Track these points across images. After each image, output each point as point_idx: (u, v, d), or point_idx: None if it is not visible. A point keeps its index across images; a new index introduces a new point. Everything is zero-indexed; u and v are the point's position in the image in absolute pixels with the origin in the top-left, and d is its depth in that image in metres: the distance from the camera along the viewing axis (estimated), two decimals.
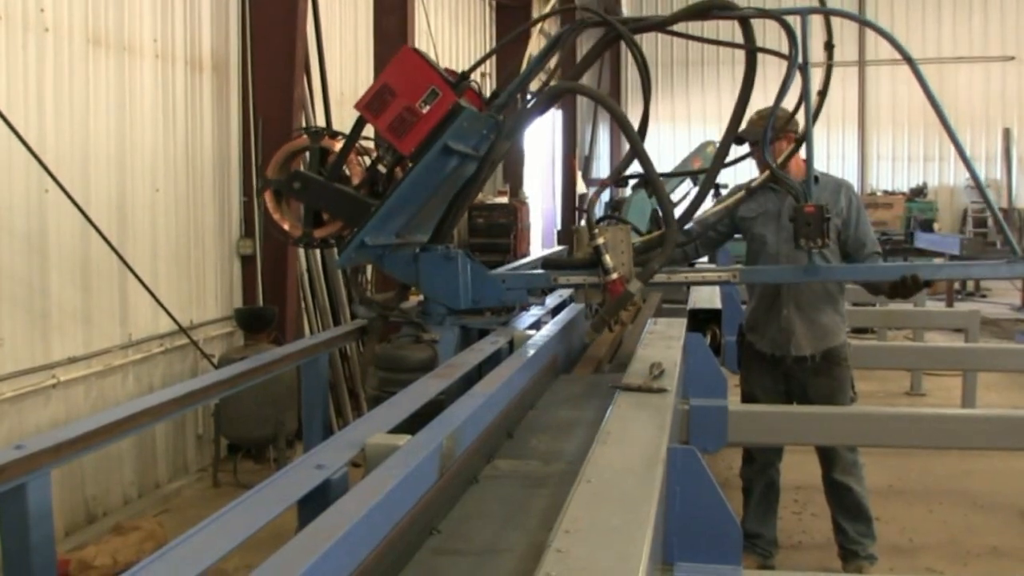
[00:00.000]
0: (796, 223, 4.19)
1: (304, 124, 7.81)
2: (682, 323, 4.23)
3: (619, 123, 4.20)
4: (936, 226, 19.56)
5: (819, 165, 4.46)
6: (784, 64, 4.15)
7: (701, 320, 5.28)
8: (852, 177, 23.96)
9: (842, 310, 5.13)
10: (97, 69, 6.07)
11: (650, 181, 4.25)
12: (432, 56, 4.29)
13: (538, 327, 4.58)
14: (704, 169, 4.90)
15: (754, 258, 5.06)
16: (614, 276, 4.00)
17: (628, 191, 8.80)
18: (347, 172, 4.30)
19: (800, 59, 4.11)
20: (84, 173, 5.93)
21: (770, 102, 4.41)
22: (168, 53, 6.85)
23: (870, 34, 20.78)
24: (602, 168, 24.50)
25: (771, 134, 4.49)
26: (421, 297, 4.48)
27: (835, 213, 4.76)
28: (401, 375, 3.94)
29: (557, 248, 10.14)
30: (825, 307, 5.03)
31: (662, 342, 3.75)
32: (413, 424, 2.66)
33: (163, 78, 6.79)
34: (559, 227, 19.31)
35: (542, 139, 19.65)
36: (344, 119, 7.72)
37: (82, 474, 5.91)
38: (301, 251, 8.05)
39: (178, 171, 6.97)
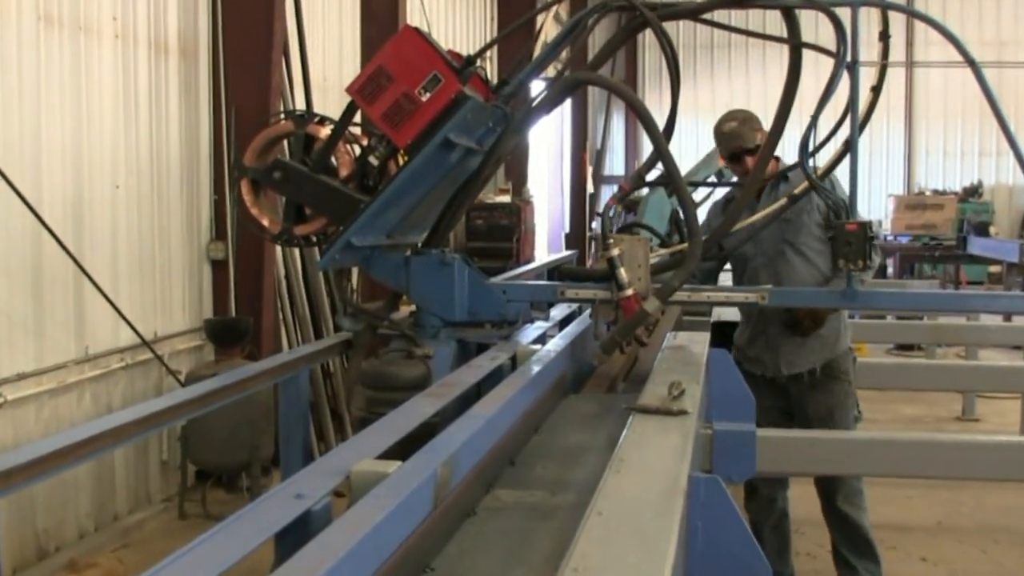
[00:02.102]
0: (836, 242, 4.22)
1: (284, 108, 7.83)
2: (705, 337, 4.21)
3: (644, 123, 4.19)
4: (992, 230, 19.45)
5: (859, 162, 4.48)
6: (819, 57, 4.18)
7: (726, 334, 5.28)
8: (897, 175, 23.99)
9: (843, 316, 5.16)
10: (50, 51, 6.09)
11: (675, 189, 4.28)
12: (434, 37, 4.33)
13: (544, 341, 4.57)
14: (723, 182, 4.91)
15: (738, 277, 5.16)
16: (629, 292, 4.02)
17: (644, 189, 8.79)
18: (334, 163, 4.31)
19: (849, 57, 4.13)
20: (35, 167, 5.95)
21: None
22: (130, 33, 6.87)
23: (920, 23, 20.80)
24: (616, 164, 24.51)
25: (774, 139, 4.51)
26: (413, 307, 4.50)
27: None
28: (391, 394, 3.94)
29: (565, 253, 10.15)
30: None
31: (682, 359, 3.74)
32: (404, 449, 2.64)
33: (124, 61, 6.81)
34: (567, 230, 19.33)
35: (549, 131, 19.67)
36: (328, 108, 7.76)
37: (32, 504, 5.91)
38: (279, 256, 8.10)
39: (141, 166, 6.99)
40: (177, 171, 7.40)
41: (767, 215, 4.71)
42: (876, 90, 4.42)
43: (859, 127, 4.32)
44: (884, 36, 4.40)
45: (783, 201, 4.73)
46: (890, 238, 17.58)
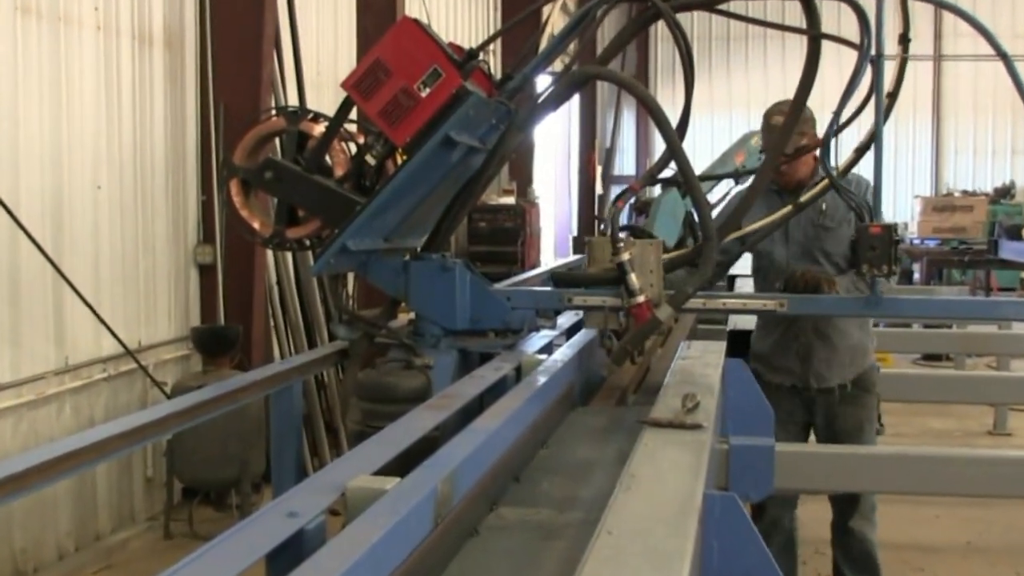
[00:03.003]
0: (858, 246, 4.22)
1: (276, 104, 7.84)
2: (721, 347, 4.19)
3: (656, 119, 4.19)
4: None
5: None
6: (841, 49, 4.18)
7: (743, 344, 5.26)
8: (924, 175, 23.98)
9: (868, 325, 5.18)
10: (27, 42, 6.10)
11: (689, 189, 4.28)
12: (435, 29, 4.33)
13: (550, 351, 4.55)
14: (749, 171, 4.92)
15: (762, 277, 5.16)
16: (640, 299, 4.02)
17: (657, 189, 8.80)
18: (329, 162, 4.30)
19: (873, 50, 4.13)
20: (12, 166, 5.96)
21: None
22: (112, 25, 6.89)
23: (949, 14, 20.79)
24: (626, 163, 24.49)
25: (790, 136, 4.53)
26: (413, 315, 4.50)
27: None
28: (388, 406, 3.95)
29: (573, 258, 10.10)
30: (849, 326, 5.07)
31: (697, 369, 3.72)
32: (403, 465, 2.64)
33: (106, 54, 6.83)
34: (575, 233, 19.31)
35: (556, 128, 19.65)
36: (322, 104, 7.77)
37: (9, 523, 5.92)
38: (271, 261, 8.11)
39: (124, 165, 7.01)
40: (162, 170, 7.41)
41: (772, 221, 4.71)
42: (892, 96, 4.42)
43: (882, 122, 4.30)
44: (904, 39, 4.40)
45: (788, 209, 4.71)
46: (916, 242, 17.57)
